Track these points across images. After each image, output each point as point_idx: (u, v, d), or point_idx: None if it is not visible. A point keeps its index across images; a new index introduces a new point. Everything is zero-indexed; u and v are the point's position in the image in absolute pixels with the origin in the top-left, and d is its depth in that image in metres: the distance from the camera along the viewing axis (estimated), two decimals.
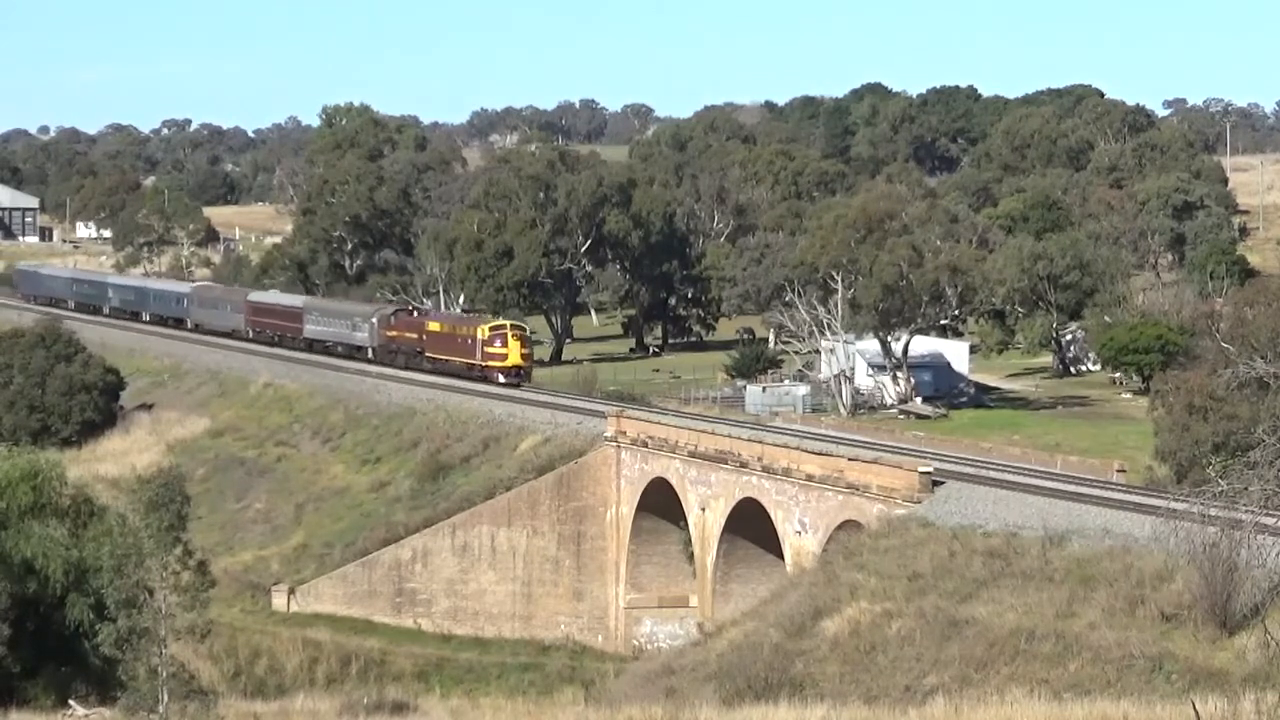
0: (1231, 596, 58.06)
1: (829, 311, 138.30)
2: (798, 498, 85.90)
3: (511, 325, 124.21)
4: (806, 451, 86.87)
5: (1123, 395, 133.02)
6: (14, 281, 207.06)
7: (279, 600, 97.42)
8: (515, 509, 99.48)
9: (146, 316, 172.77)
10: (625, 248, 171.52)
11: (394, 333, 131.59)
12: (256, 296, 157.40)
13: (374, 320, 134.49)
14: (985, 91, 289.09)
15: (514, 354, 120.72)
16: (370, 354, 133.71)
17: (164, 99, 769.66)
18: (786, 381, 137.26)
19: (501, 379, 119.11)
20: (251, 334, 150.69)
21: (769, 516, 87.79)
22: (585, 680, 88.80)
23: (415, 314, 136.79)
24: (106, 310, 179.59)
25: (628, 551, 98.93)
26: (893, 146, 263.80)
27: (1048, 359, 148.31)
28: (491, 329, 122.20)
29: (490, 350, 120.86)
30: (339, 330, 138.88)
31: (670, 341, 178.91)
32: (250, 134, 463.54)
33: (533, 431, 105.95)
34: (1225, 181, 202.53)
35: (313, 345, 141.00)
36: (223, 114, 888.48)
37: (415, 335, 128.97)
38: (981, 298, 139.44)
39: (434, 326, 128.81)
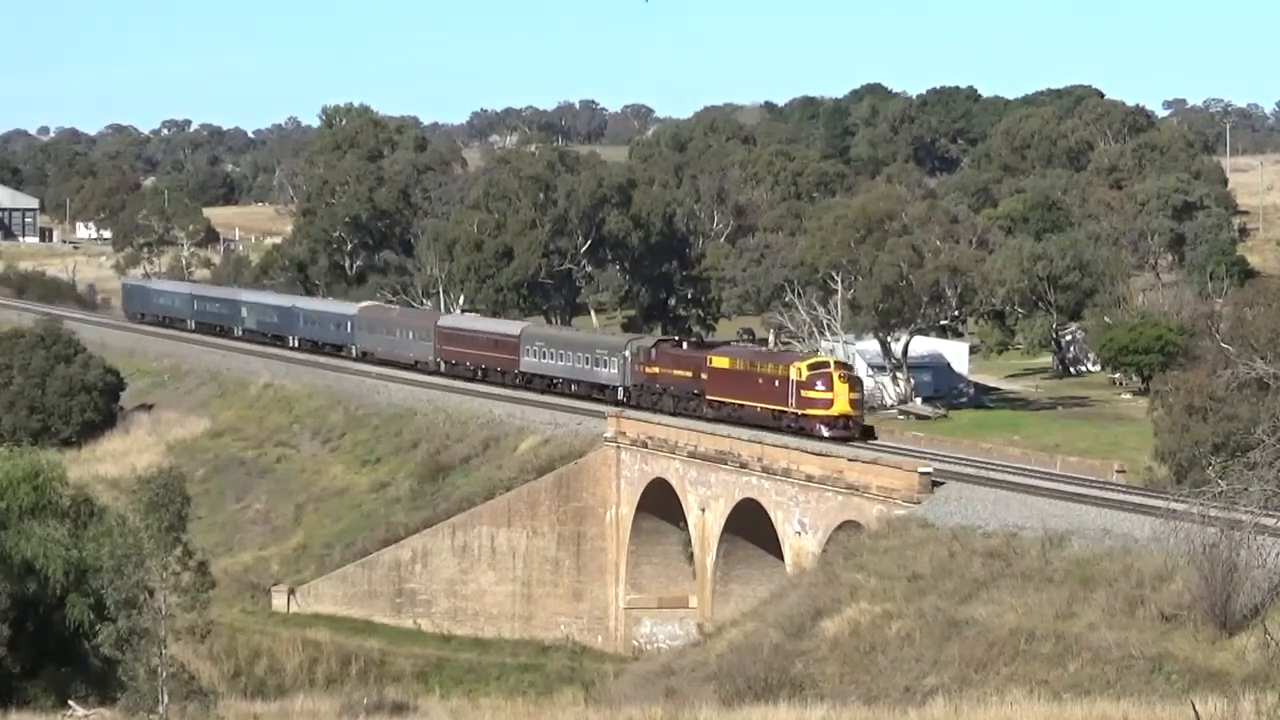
0: (1231, 597, 58.09)
1: (829, 312, 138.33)
2: (797, 498, 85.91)
3: (836, 364, 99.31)
4: (806, 452, 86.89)
5: (1122, 396, 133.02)
6: (122, 299, 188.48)
7: (279, 601, 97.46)
8: (515, 509, 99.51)
9: (294, 342, 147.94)
10: (625, 248, 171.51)
11: (656, 369, 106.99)
12: (451, 322, 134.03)
13: (627, 353, 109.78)
14: (985, 92, 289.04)
15: (841, 400, 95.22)
16: (621, 394, 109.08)
17: (164, 99, 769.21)
18: None
19: (825, 431, 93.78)
20: (444, 367, 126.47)
21: (769, 517, 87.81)
22: (585, 681, 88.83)
23: (687, 345, 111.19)
24: (239, 332, 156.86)
25: (627, 552, 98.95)
26: (892, 147, 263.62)
27: (1047, 359, 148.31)
28: (811, 368, 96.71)
29: (809, 395, 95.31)
30: (573, 365, 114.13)
31: None
32: (250, 134, 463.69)
33: (532, 432, 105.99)
34: (1225, 182, 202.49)
35: (532, 382, 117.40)
36: (223, 114, 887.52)
37: (689, 373, 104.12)
38: (981, 298, 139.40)
39: (720, 363, 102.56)
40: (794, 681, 64.07)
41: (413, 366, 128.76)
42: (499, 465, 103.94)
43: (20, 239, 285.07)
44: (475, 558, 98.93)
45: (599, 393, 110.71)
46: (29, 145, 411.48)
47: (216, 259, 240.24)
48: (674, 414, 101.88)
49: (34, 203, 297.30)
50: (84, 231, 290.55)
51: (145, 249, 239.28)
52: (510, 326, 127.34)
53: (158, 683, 47.47)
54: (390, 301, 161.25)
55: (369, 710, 56.56)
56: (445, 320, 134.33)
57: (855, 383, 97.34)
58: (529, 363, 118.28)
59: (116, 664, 49.16)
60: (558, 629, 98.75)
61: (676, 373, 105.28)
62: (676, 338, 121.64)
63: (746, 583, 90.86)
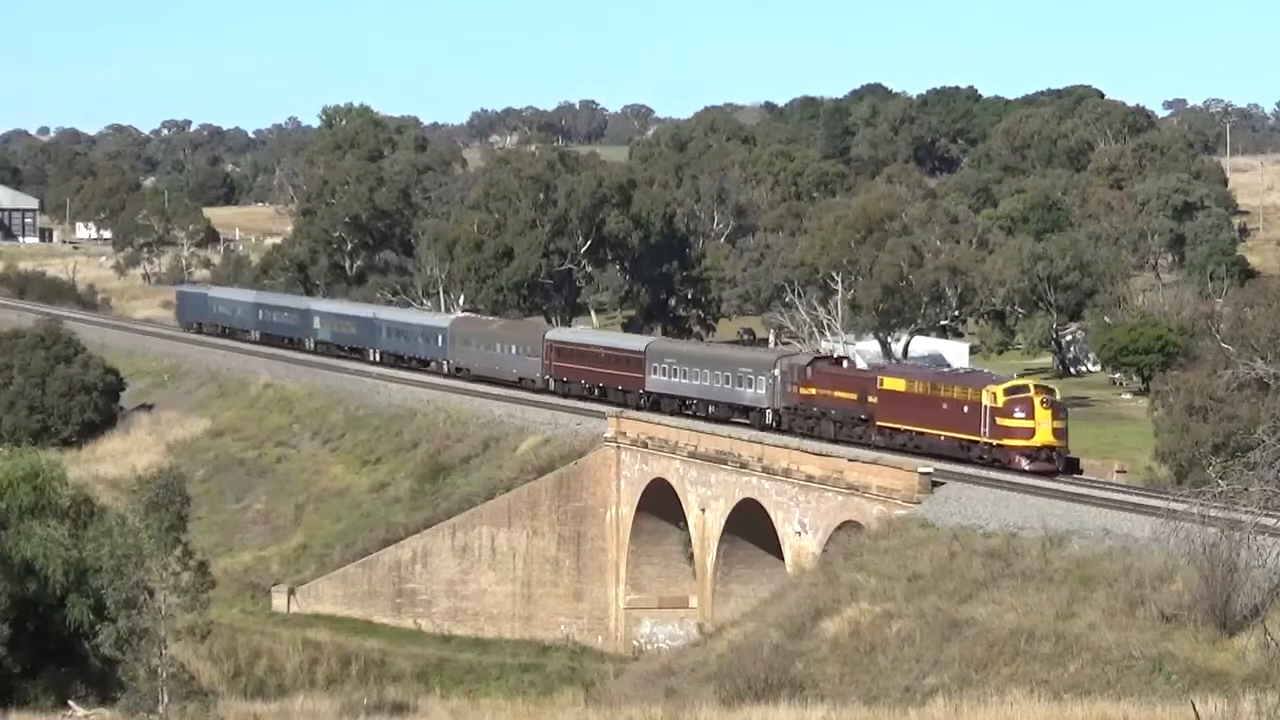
0: (1231, 597, 58.12)
1: (829, 312, 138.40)
2: (798, 498, 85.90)
3: (1037, 388, 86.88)
4: (806, 452, 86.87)
5: (1123, 396, 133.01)
6: (176, 307, 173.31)
7: (279, 601, 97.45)
8: (515, 510, 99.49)
9: (375, 355, 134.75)
10: (625, 248, 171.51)
11: (813, 390, 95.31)
12: (563, 335, 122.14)
13: (777, 372, 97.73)
14: (985, 92, 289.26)
15: (1044, 428, 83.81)
16: (769, 418, 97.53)
17: (164, 99, 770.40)
18: None
19: (1025, 464, 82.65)
20: (553, 385, 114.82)
21: (769, 517, 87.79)
22: (585, 681, 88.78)
23: (848, 364, 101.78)
24: (311, 344, 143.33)
25: (628, 552, 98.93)
26: (893, 147, 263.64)
27: (1048, 360, 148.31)
28: (1008, 392, 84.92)
29: (1007, 423, 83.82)
30: (710, 385, 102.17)
31: None
32: (250, 134, 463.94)
33: (532, 432, 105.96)
34: (1225, 182, 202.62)
35: (660, 403, 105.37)
36: (223, 114, 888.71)
37: (854, 396, 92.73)
38: (981, 298, 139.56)
39: (894, 384, 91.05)
40: (794, 681, 64.08)
41: (516, 384, 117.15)
42: (499, 465, 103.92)
43: (20, 239, 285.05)
44: (475, 558, 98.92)
45: (741, 415, 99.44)
46: (29, 145, 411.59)
47: (216, 259, 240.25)
48: (834, 440, 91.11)
49: (34, 203, 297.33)
50: (84, 232, 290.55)
51: (145, 249, 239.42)
52: (634, 341, 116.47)
53: (158, 683, 47.46)
54: (390, 301, 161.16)
55: (369, 710, 56.56)
56: (556, 333, 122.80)
57: (1059, 409, 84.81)
58: (657, 381, 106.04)
59: (116, 664, 49.18)
60: (558, 629, 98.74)
61: (838, 394, 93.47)
62: (836, 355, 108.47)
63: (746, 583, 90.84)
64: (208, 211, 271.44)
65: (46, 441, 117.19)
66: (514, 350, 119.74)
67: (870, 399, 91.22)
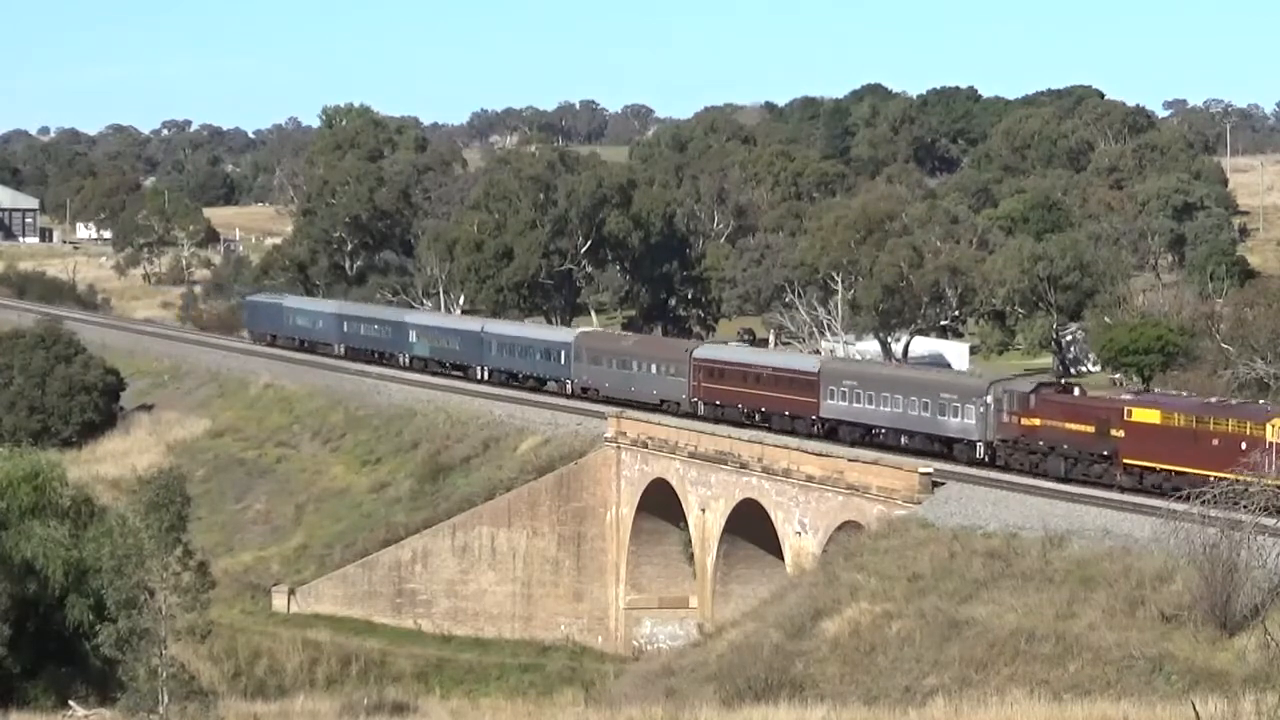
0: (1231, 597, 58.15)
1: (829, 312, 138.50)
2: (798, 498, 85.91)
3: None
4: (806, 452, 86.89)
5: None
6: (245, 317, 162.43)
7: (279, 601, 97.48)
8: (515, 510, 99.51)
9: (482, 373, 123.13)
10: (625, 248, 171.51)
11: (1036, 420, 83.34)
12: (714, 353, 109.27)
13: (990, 399, 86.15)
14: (985, 92, 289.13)
15: None
16: (979, 451, 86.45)
17: (164, 99, 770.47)
18: None
19: None
20: (703, 409, 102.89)
21: (769, 517, 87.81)
22: (585, 681, 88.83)
23: (1080, 391, 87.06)
24: (405, 360, 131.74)
25: (628, 552, 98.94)
26: (893, 147, 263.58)
27: (1048, 360, 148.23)
28: None
29: None
30: (905, 412, 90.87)
31: None
32: (250, 135, 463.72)
33: (533, 432, 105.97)
34: (1225, 182, 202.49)
35: (837, 431, 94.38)
36: (223, 114, 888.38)
37: (1091, 428, 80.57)
38: (981, 299, 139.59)
39: (1147, 416, 78.44)
40: (794, 682, 64.11)
41: (657, 407, 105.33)
42: (499, 465, 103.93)
43: (20, 239, 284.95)
44: (475, 558, 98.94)
45: (944, 448, 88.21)
46: (29, 145, 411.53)
47: (217, 259, 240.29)
48: (1065, 479, 79.69)
49: (34, 203, 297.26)
50: (84, 232, 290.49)
51: (145, 249, 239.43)
52: (803, 360, 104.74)
53: (158, 683, 47.47)
54: (391, 301, 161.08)
55: (369, 710, 56.61)
56: (706, 350, 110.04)
57: None
58: (834, 407, 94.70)
59: (116, 664, 49.19)
60: (558, 629, 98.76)
61: (1071, 426, 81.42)
62: (1064, 381, 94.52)
63: (747, 583, 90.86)
64: (208, 212, 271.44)
65: (47, 442, 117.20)
66: (654, 369, 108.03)
67: (1114, 432, 79.31)
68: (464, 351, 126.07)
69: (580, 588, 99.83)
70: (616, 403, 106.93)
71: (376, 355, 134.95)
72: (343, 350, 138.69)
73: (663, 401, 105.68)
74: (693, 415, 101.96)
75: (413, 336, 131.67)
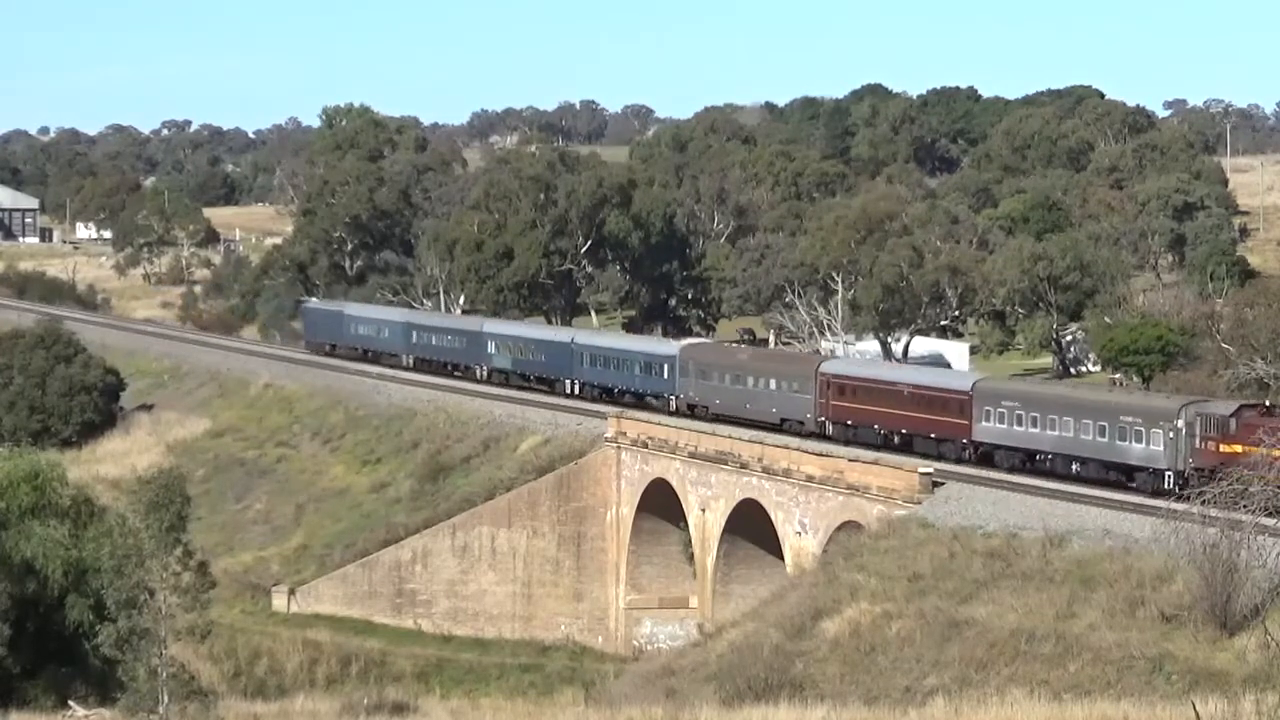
0: (1231, 597, 58.18)
1: (829, 313, 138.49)
2: (798, 499, 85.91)
3: None
4: (806, 452, 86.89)
5: None
6: (304, 326, 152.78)
7: (279, 601, 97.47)
8: (515, 510, 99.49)
9: (572, 387, 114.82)
10: (625, 248, 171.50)
11: (1238, 447, 73.72)
12: (844, 368, 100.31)
13: (1181, 423, 77.42)
14: (985, 92, 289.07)
15: None
16: (1168, 482, 76.36)
17: (164, 99, 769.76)
18: None
19: None
20: (831, 429, 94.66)
21: (769, 517, 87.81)
22: (585, 681, 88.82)
23: None
24: (483, 373, 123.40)
25: (628, 552, 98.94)
26: (893, 147, 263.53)
27: (1048, 360, 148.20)
28: None
29: None
30: (1078, 437, 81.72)
31: None
32: (250, 135, 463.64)
33: (533, 432, 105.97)
34: (1225, 182, 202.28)
35: (994, 456, 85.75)
36: (223, 114, 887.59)
37: None
38: (982, 299, 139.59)
39: None
40: (794, 682, 64.12)
41: (777, 427, 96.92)
42: (499, 465, 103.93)
43: (20, 239, 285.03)
44: (475, 558, 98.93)
45: (1123, 477, 79.30)
46: (29, 145, 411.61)
47: (217, 259, 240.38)
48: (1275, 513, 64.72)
49: (34, 203, 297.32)
50: (84, 232, 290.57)
51: (145, 249, 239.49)
52: (953, 378, 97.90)
53: (158, 683, 47.48)
54: (391, 301, 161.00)
55: (369, 710, 56.61)
56: (836, 365, 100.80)
57: None
58: (990, 430, 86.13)
59: (116, 664, 49.21)
60: (558, 629, 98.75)
61: None
62: (1269, 403, 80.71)
63: (747, 583, 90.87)
64: (208, 212, 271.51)
65: (47, 442, 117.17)
66: (774, 385, 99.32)
67: None
68: (551, 364, 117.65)
69: (580, 588, 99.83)
70: (728, 421, 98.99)
71: (450, 368, 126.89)
72: (410, 362, 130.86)
73: (784, 421, 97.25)
74: (819, 436, 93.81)
75: (492, 348, 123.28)
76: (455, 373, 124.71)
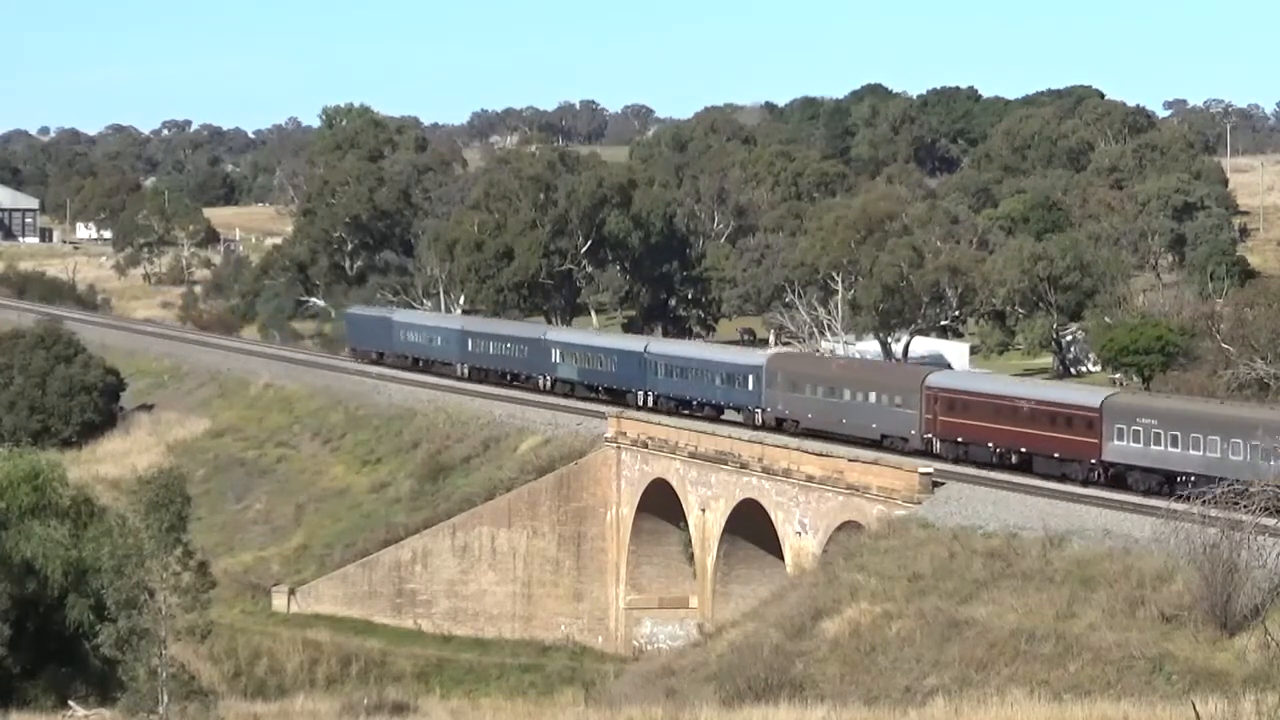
0: (1232, 597, 58.18)
1: (829, 313, 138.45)
2: (798, 499, 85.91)
3: None
4: (806, 452, 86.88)
5: None
6: (346, 332, 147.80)
7: (279, 601, 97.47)
8: (515, 510, 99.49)
9: (645, 399, 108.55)
10: (625, 248, 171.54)
11: None
12: (953, 381, 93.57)
13: None
14: (985, 92, 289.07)
15: None
16: None
17: (164, 99, 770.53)
18: None
19: None
20: (939, 446, 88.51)
21: (769, 517, 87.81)
22: (585, 681, 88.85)
23: None
24: (546, 383, 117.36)
25: (628, 552, 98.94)
26: (893, 147, 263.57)
27: (1048, 360, 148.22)
28: None
29: None
30: (1221, 458, 74.26)
31: None
32: (250, 135, 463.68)
33: (533, 432, 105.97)
34: (1225, 182, 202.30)
35: (1128, 478, 78.76)
36: (223, 114, 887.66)
37: None
38: (982, 299, 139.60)
39: None
40: (794, 682, 64.11)
41: (876, 444, 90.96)
42: (499, 465, 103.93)
43: (20, 239, 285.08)
44: (476, 558, 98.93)
45: None
46: (29, 145, 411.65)
47: (217, 259, 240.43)
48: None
49: (34, 203, 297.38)
50: (84, 232, 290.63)
51: (145, 249, 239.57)
52: (1080, 393, 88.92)
53: (158, 683, 47.49)
54: (391, 302, 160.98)
55: (369, 710, 56.61)
56: (945, 378, 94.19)
57: None
58: (1123, 449, 78.94)
59: (117, 664, 49.23)
60: (558, 629, 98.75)
61: None
62: None
63: (747, 583, 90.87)
64: (208, 212, 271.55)
65: (47, 442, 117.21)
66: (872, 398, 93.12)
67: None
68: (622, 374, 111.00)
69: (580, 588, 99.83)
70: (820, 437, 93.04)
71: (509, 378, 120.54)
72: (465, 371, 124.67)
73: (884, 437, 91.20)
74: (925, 454, 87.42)
75: (556, 356, 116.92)
76: (515, 383, 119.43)
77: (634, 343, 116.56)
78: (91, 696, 55.44)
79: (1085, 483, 79.78)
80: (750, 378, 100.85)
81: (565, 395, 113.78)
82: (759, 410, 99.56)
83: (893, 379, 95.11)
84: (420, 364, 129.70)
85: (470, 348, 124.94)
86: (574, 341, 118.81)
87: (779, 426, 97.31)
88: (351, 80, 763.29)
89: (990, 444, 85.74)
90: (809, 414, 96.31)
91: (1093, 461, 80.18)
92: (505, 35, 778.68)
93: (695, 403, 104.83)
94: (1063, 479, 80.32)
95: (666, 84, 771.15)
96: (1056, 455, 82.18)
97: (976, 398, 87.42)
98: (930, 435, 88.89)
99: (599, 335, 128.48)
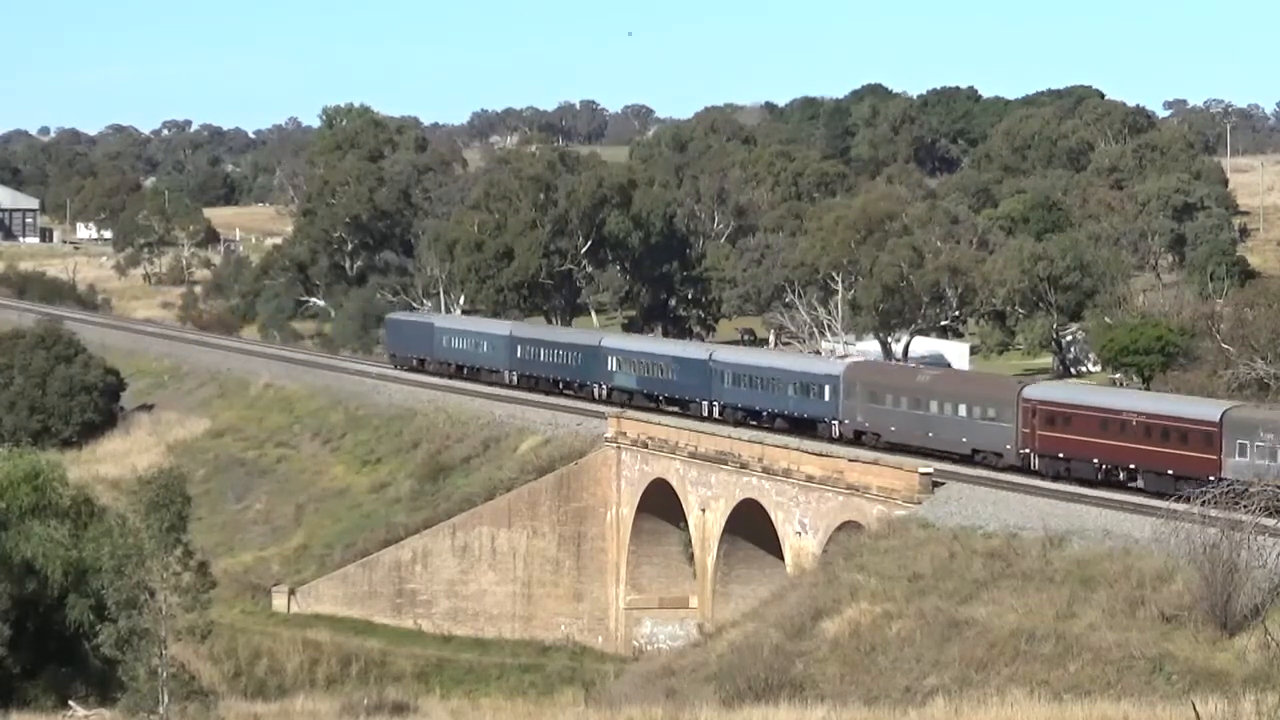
0: (1232, 597, 58.18)
1: (829, 313, 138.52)
2: (798, 499, 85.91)
3: None
4: (806, 452, 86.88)
5: None
6: (386, 338, 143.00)
7: (279, 601, 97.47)
8: (515, 510, 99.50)
9: (711, 409, 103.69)
10: (625, 248, 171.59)
11: None
12: (1050, 393, 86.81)
13: None
14: (985, 92, 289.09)
15: None
16: None
17: (164, 99, 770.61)
18: None
19: None
20: (1038, 463, 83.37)
21: (769, 517, 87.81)
22: (585, 681, 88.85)
23: None
24: (602, 392, 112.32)
25: (628, 552, 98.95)
26: (893, 147, 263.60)
27: (1048, 360, 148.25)
28: None
29: None
30: None
31: None
32: (250, 135, 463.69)
33: (533, 432, 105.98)
34: (1225, 182, 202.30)
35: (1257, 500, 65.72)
36: (223, 115, 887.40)
37: None
38: (982, 299, 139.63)
39: None
40: (794, 682, 64.11)
41: (968, 458, 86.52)
42: (499, 465, 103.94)
43: (21, 239, 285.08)
44: (476, 558, 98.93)
45: None
46: (29, 145, 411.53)
47: (217, 259, 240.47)
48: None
49: (34, 203, 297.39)
50: (84, 232, 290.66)
51: (146, 249, 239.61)
52: (1196, 405, 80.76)
53: (158, 683, 47.50)
54: (391, 301, 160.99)
55: (369, 711, 56.62)
56: (1043, 390, 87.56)
57: None
58: (1245, 466, 72.15)
59: (117, 664, 49.23)
60: (558, 629, 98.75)
61: None
62: None
63: (747, 583, 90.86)
64: (208, 212, 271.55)
65: (47, 442, 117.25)
66: (962, 411, 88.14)
67: None
68: (684, 383, 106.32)
69: (580, 588, 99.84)
70: (903, 451, 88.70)
71: (561, 386, 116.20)
72: (514, 379, 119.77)
73: (975, 452, 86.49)
74: (1023, 470, 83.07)
75: (613, 364, 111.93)
76: (567, 392, 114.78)
77: (698, 350, 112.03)
78: (91, 696, 55.44)
79: (1204, 503, 66.03)
80: (826, 388, 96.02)
81: (623, 405, 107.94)
82: (836, 422, 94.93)
83: (986, 390, 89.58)
84: (465, 371, 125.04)
85: (519, 354, 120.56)
86: (632, 349, 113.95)
87: (858, 440, 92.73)
88: (351, 80, 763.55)
89: (1095, 460, 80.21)
90: (891, 427, 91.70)
91: (1211, 477, 72.27)
92: (505, 35, 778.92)
93: (765, 414, 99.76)
94: (1177, 497, 67.56)
95: (666, 84, 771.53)
96: (1170, 473, 76.43)
97: (1079, 411, 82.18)
98: (1027, 450, 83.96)
99: (660, 342, 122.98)
